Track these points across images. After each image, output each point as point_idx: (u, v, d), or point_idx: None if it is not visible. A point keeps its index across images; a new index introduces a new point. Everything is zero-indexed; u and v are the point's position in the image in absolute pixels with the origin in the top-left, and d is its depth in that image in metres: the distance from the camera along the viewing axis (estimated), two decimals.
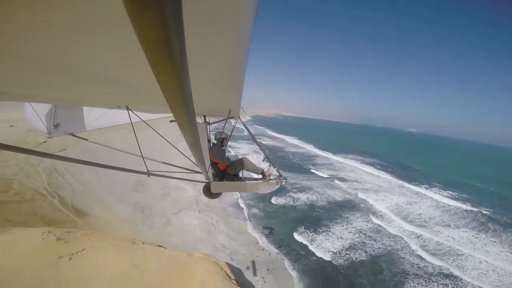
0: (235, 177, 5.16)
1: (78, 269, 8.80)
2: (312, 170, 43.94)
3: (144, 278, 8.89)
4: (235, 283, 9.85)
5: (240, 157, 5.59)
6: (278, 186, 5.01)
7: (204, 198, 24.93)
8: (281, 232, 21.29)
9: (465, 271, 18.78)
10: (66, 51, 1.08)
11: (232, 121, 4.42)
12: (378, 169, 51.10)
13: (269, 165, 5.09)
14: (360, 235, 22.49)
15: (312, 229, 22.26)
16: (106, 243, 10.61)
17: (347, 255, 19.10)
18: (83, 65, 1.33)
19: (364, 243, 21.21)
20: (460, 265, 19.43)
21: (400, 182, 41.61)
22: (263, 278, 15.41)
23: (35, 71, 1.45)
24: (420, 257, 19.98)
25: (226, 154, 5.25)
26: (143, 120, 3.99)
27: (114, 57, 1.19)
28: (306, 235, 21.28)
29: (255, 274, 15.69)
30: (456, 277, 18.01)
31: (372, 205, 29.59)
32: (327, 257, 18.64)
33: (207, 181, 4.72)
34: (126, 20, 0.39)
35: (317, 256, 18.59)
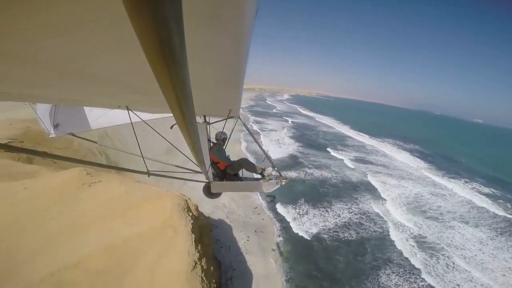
0: (235, 177, 5.21)
1: (90, 191, 13.14)
2: (337, 150, 43.32)
3: (128, 200, 12.92)
4: (189, 216, 12.54)
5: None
6: (278, 186, 5.01)
7: None
8: (282, 202, 22.70)
9: (452, 272, 17.16)
10: (66, 51, 1.11)
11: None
12: (415, 156, 47.79)
13: (269, 165, 5.13)
14: (360, 216, 22.63)
15: (312, 203, 23.20)
16: (117, 179, 14.78)
17: (335, 233, 19.66)
18: (83, 66, 1.35)
19: (361, 224, 21.42)
20: (450, 264, 17.76)
21: (433, 172, 38.45)
22: (248, 237, 17.35)
23: (35, 71, 1.46)
24: (412, 248, 19.14)
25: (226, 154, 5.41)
26: (143, 120, 4.04)
27: (114, 57, 1.21)
28: (304, 208, 22.41)
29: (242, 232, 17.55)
30: (437, 277, 16.57)
31: (387, 190, 28.66)
32: (315, 230, 19.57)
33: (207, 181, 4.78)
34: (126, 20, 0.40)
35: (307, 228, 19.65)
